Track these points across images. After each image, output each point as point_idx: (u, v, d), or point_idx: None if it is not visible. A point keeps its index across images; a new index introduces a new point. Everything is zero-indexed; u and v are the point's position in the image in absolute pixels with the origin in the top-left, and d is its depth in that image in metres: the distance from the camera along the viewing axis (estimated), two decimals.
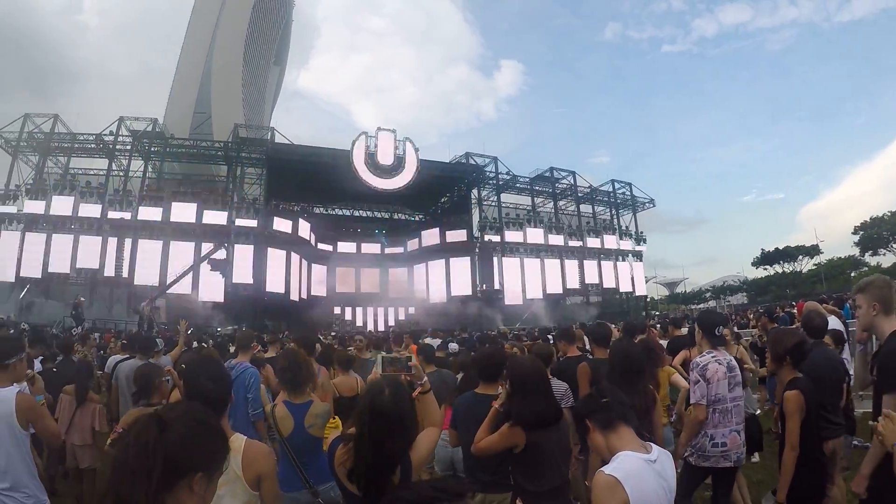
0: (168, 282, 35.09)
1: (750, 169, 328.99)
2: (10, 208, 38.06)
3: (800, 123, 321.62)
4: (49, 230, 38.09)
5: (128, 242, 38.79)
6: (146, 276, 37.81)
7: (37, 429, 3.77)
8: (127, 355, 8.28)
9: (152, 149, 43.11)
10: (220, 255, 33.66)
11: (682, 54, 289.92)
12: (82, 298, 31.27)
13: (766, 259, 73.03)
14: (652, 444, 2.57)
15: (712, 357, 4.60)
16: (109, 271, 38.16)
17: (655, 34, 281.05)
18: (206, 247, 38.73)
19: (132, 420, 3.78)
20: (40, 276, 37.38)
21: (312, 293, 46.69)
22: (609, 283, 51.50)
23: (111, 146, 41.26)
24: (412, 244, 50.83)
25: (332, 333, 26.90)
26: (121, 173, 42.02)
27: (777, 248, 72.10)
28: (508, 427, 3.51)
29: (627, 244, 53.02)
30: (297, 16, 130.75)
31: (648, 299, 60.63)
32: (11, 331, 14.78)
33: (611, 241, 52.18)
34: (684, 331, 8.74)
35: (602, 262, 51.36)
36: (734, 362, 4.73)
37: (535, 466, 3.50)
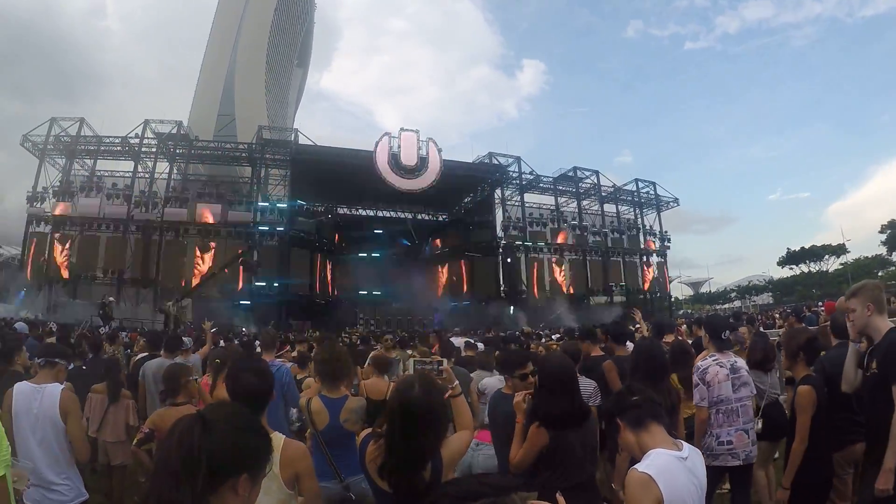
0: (197, 281, 34.94)
1: (775, 167, 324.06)
2: (39, 210, 38.56)
3: (825, 121, 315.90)
4: (76, 231, 38.56)
5: (153, 243, 39.10)
6: (172, 275, 38.37)
7: (68, 427, 3.90)
8: (148, 353, 8.26)
9: (177, 151, 43.33)
10: (251, 256, 33.74)
11: (705, 51, 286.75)
12: (111, 298, 31.43)
13: (791, 259, 71.79)
14: (682, 441, 2.58)
15: (714, 360, 4.71)
16: (135, 271, 38.51)
17: (678, 31, 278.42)
18: (235, 247, 38.92)
19: (172, 421, 3.89)
20: (68, 276, 37.83)
21: (337, 292, 46.53)
22: (633, 283, 50.72)
23: (136, 148, 41.53)
24: (436, 244, 50.83)
25: (357, 333, 26.69)
26: (146, 175, 42.16)
27: (803, 248, 70.99)
28: (535, 428, 3.51)
29: (652, 244, 52.16)
30: (318, 18, 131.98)
31: (673, 299, 59.81)
32: (42, 329, 14.62)
33: (635, 241, 51.48)
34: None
35: (626, 262, 50.64)
36: (739, 363, 4.82)
37: (559, 463, 3.50)
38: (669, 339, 7.71)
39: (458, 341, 11.62)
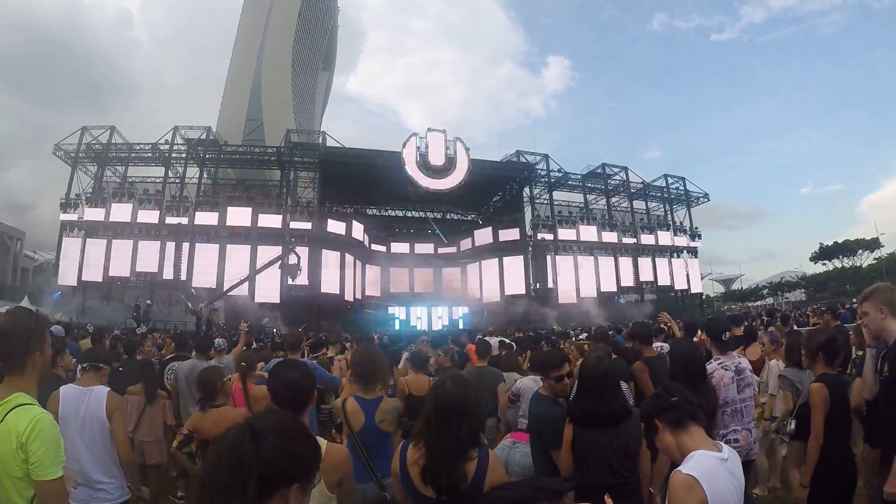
0: (232, 284, 35.16)
1: (806, 159, 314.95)
2: (72, 216, 39.23)
3: (857, 110, 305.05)
4: (109, 236, 39.14)
5: (185, 246, 39.45)
6: (204, 278, 38.54)
7: (113, 427, 3.98)
8: (177, 354, 8.39)
9: (207, 156, 44.01)
10: (292, 259, 33.82)
11: (732, 42, 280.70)
12: (148, 301, 31.61)
13: (824, 254, 69.93)
14: (721, 443, 2.52)
15: (719, 364, 4.72)
16: (168, 274, 38.84)
17: (703, 23, 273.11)
18: (265, 250, 39.03)
19: (213, 422, 4.35)
20: (101, 280, 38.49)
21: (367, 294, 46.57)
22: (663, 280, 49.84)
23: (167, 154, 42.20)
24: (465, 244, 50.43)
25: (386, 334, 26.51)
26: (177, 180, 42.82)
27: (836, 242, 69.02)
28: (566, 426, 3.61)
29: (682, 240, 51.28)
30: (342, 21, 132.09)
31: (704, 297, 58.67)
32: (78, 332, 14.51)
33: (665, 238, 50.60)
34: (741, 330, 8.24)
35: (656, 259, 49.75)
36: (744, 364, 4.85)
37: (580, 461, 3.54)
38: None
39: (492, 341, 11.26)
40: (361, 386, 4.27)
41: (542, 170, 47.69)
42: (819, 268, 72.56)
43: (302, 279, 38.28)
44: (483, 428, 2.76)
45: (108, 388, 4.12)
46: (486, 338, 13.64)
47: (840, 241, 68.89)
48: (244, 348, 8.45)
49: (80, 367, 4.33)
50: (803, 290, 74.42)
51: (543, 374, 4.28)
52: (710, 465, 2.30)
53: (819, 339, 4.28)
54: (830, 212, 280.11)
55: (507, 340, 12.34)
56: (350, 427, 4.03)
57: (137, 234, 39.61)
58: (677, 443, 2.48)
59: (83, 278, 38.26)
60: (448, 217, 53.24)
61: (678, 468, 2.32)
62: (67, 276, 38.52)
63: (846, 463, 4.03)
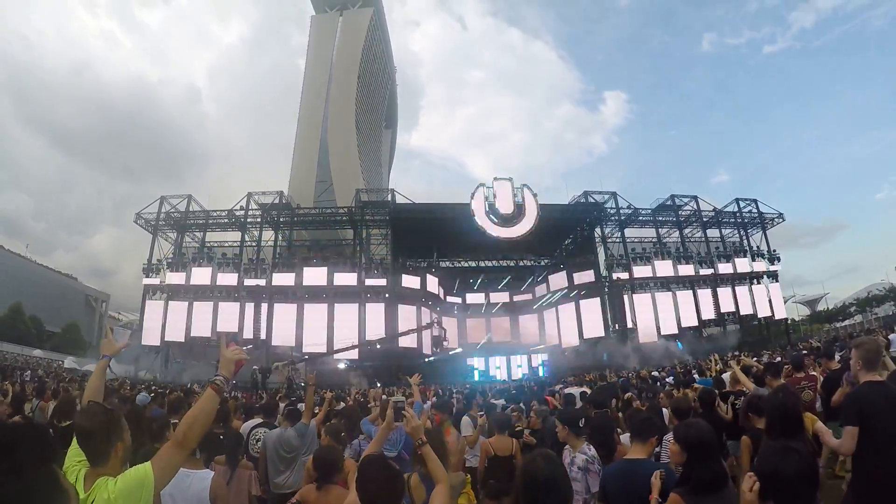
0: (342, 347, 34.82)
1: (878, 162, 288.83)
2: (154, 280, 40.49)
3: None
4: (190, 298, 40.23)
5: (264, 307, 40.06)
6: (282, 337, 39.13)
7: None
8: (258, 420, 8.07)
9: (281, 219, 44.29)
10: (436, 331, 33.03)
11: (785, 52, 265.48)
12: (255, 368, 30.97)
13: None
14: None
15: (577, 452, 4.78)
16: (248, 333, 39.16)
17: (753, 36, 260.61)
18: (342, 308, 39.62)
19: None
20: (183, 340, 39.39)
21: (445, 346, 44.96)
22: (746, 309, 45.70)
23: (242, 220, 42.97)
24: (540, 289, 48.92)
25: (467, 387, 24.54)
26: (253, 244, 43.58)
27: None
28: (673, 494, 3.32)
29: (761, 265, 47.10)
30: (400, 80, 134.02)
31: (789, 321, 54.00)
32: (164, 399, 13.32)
33: (743, 265, 46.53)
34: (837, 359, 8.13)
35: (736, 288, 45.85)
36: (592, 452, 4.73)
37: None
38: (800, 374, 7.71)
39: (575, 391, 11.19)
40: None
41: (611, 208, 45.36)
42: None
43: (379, 334, 37.86)
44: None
45: (213, 472, 4.16)
46: (568, 389, 14.18)
47: None
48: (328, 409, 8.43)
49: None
50: (893, 303, 67.53)
51: (642, 439, 4.02)
52: None
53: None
54: None
55: (588, 391, 11.75)
56: (413, 501, 3.80)
57: (217, 295, 40.47)
58: None
59: (166, 338, 39.21)
60: (521, 264, 51.53)
61: None
62: (151, 336, 39.49)
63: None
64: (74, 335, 66.34)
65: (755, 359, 18.26)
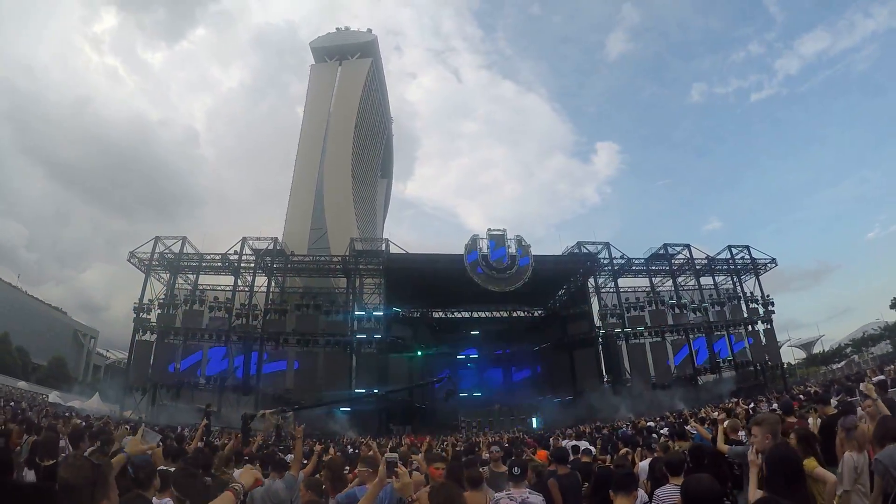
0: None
1: (867, 202, 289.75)
2: (144, 320, 39.86)
3: None
4: (181, 340, 39.77)
5: (255, 353, 39.83)
6: (273, 382, 39.17)
7: None
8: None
9: (275, 266, 43.89)
10: (448, 385, 32.34)
11: (772, 98, 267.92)
12: (213, 407, 30.10)
13: None
14: None
15: (507, 495, 4.76)
16: (237, 379, 39.08)
17: (741, 85, 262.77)
18: (331, 354, 39.41)
19: None
20: (172, 382, 38.51)
21: (437, 397, 43.92)
22: (741, 355, 45.00)
23: (236, 264, 42.36)
24: (535, 340, 48.21)
25: (460, 439, 23.38)
26: (246, 288, 43.04)
27: None
28: None
29: (755, 311, 46.51)
30: (397, 130, 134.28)
31: (785, 366, 53.05)
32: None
33: (737, 312, 46.22)
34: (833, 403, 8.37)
35: (731, 335, 45.27)
36: (532, 499, 4.77)
37: None
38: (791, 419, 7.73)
39: (570, 444, 11.07)
40: None
41: (604, 258, 45.19)
42: None
43: (370, 384, 37.54)
44: None
45: None
46: (564, 441, 13.95)
47: None
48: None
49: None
50: (888, 342, 66.19)
51: (626, 492, 4.19)
52: None
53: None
54: None
55: (585, 445, 10.98)
56: None
57: (208, 339, 39.95)
58: None
59: (154, 379, 38.28)
60: (515, 315, 51.00)
61: None
62: (138, 375, 38.80)
63: None
64: (60, 369, 64.47)
65: (751, 405, 17.61)
